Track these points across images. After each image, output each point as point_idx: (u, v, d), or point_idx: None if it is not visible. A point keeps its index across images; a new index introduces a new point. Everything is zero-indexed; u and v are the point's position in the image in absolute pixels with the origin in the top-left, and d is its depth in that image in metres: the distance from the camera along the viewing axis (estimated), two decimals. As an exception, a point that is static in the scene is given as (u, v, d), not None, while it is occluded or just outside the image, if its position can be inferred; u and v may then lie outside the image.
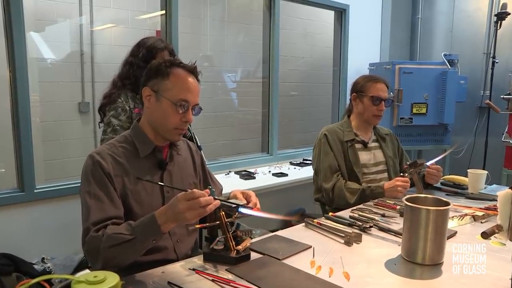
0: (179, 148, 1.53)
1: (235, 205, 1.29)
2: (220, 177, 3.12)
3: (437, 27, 4.55)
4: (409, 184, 2.01)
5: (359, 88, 2.21)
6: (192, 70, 1.41)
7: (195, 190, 1.17)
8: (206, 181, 1.65)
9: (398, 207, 1.84)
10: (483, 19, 4.23)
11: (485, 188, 2.19)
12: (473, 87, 4.08)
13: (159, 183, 1.38)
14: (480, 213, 1.76)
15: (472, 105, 4.17)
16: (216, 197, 1.31)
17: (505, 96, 3.48)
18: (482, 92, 4.11)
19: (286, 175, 3.29)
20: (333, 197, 2.09)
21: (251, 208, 1.32)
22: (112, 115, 2.00)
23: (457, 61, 3.87)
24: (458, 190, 2.20)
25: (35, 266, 2.38)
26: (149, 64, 1.44)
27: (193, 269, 1.24)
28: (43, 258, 2.47)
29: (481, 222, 1.71)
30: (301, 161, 3.82)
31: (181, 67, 1.40)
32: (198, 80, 1.43)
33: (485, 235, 1.51)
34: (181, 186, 1.49)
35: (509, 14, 3.69)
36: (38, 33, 3.58)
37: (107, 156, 1.35)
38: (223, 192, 1.70)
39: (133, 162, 1.39)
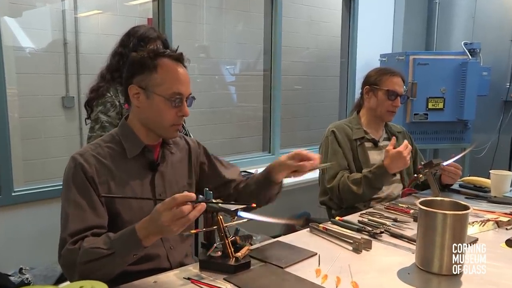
0: (172, 147, 1.53)
1: (234, 209, 1.30)
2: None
3: (457, 12, 4.52)
4: (407, 149, 1.95)
5: (373, 81, 2.22)
6: (179, 58, 1.40)
7: (176, 196, 1.13)
8: (216, 172, 1.65)
9: (411, 211, 1.85)
10: (512, 1, 4.17)
11: (510, 191, 2.19)
12: (497, 79, 4.05)
13: (128, 196, 1.37)
14: (504, 219, 1.76)
15: (496, 99, 4.15)
16: (213, 201, 1.32)
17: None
18: (508, 84, 4.10)
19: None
20: (340, 194, 2.09)
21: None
22: (100, 111, 2.01)
23: (479, 50, 3.84)
24: (480, 193, 2.20)
25: (12, 278, 2.38)
26: (130, 58, 1.43)
27: (188, 278, 1.25)
28: (21, 269, 2.46)
29: (506, 229, 1.71)
30: (306, 161, 3.82)
31: (166, 56, 1.38)
32: (185, 67, 1.43)
33: (511, 243, 1.52)
34: (175, 188, 1.49)
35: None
36: (13, 18, 3.57)
37: (91, 158, 1.35)
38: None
39: (120, 164, 1.39)
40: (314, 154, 1.51)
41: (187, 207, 1.13)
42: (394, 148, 1.98)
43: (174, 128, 1.41)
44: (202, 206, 1.17)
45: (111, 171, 1.37)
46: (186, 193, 1.15)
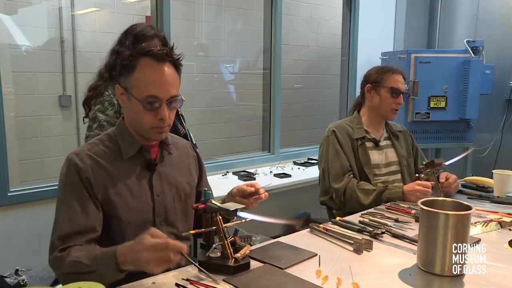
0: (170, 147, 1.53)
1: (233, 209, 1.30)
2: (217, 178, 3.14)
3: (460, 10, 4.51)
4: (430, 190, 2.00)
5: (374, 79, 2.23)
6: (163, 57, 1.35)
7: (168, 241, 1.12)
8: (201, 183, 1.65)
9: (413, 211, 1.85)
10: (516, -2, 4.15)
11: (514, 191, 2.19)
12: (500, 78, 4.05)
13: None
14: (508, 219, 1.76)
15: (499, 97, 4.15)
16: (213, 201, 1.33)
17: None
18: (511, 82, 4.10)
19: (289, 176, 3.30)
20: (345, 199, 2.10)
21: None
22: (98, 110, 2.01)
23: (482, 48, 3.83)
24: (482, 193, 2.21)
25: (7, 280, 2.37)
26: (119, 57, 1.44)
27: (187, 280, 1.25)
28: (17, 270, 2.46)
29: (509, 229, 1.71)
30: (306, 160, 3.83)
31: (149, 55, 1.34)
32: (177, 65, 1.40)
33: (514, 243, 1.53)
34: (175, 188, 1.50)
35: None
36: (9, 15, 3.57)
37: (86, 158, 1.36)
38: (219, 195, 1.71)
39: (117, 163, 1.40)
40: (258, 186, 1.49)
41: (173, 256, 1.12)
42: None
43: (155, 130, 1.38)
44: (184, 247, 1.15)
45: (107, 171, 1.37)
46: (178, 243, 1.14)
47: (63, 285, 1.18)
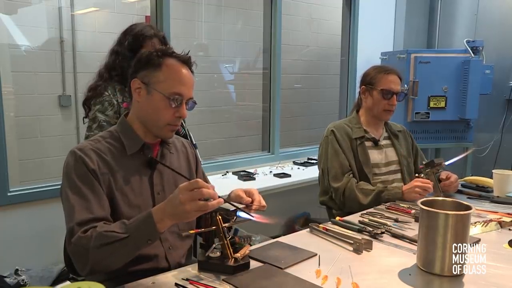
0: (171, 146, 1.55)
1: (233, 209, 1.30)
2: (216, 178, 3.14)
3: (459, 10, 4.52)
4: (430, 186, 1.98)
5: (368, 80, 2.23)
6: (186, 61, 1.44)
7: (199, 179, 1.19)
8: None
9: (413, 211, 1.85)
10: (516, -3, 4.15)
11: (513, 191, 2.20)
12: (500, 77, 4.05)
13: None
14: (507, 219, 1.76)
15: (498, 97, 4.16)
16: (220, 196, 1.33)
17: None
18: (511, 82, 4.10)
19: (289, 175, 3.30)
20: (344, 199, 2.11)
21: (251, 215, 1.32)
22: (98, 110, 2.01)
23: (482, 48, 3.84)
24: (482, 193, 2.21)
25: (7, 279, 2.38)
26: (139, 54, 1.47)
27: (187, 279, 1.25)
28: (16, 270, 2.46)
29: (509, 229, 1.71)
30: (306, 160, 3.83)
31: (174, 57, 1.42)
32: (192, 71, 1.46)
33: (514, 243, 1.53)
34: (174, 187, 1.49)
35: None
36: (9, 15, 3.58)
37: (91, 153, 1.37)
38: (219, 195, 1.71)
39: (120, 160, 1.41)
40: (256, 196, 1.46)
41: (206, 191, 1.16)
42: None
43: (169, 128, 1.43)
44: (221, 200, 1.20)
45: (111, 166, 1.38)
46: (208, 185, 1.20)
47: (92, 263, 1.20)
